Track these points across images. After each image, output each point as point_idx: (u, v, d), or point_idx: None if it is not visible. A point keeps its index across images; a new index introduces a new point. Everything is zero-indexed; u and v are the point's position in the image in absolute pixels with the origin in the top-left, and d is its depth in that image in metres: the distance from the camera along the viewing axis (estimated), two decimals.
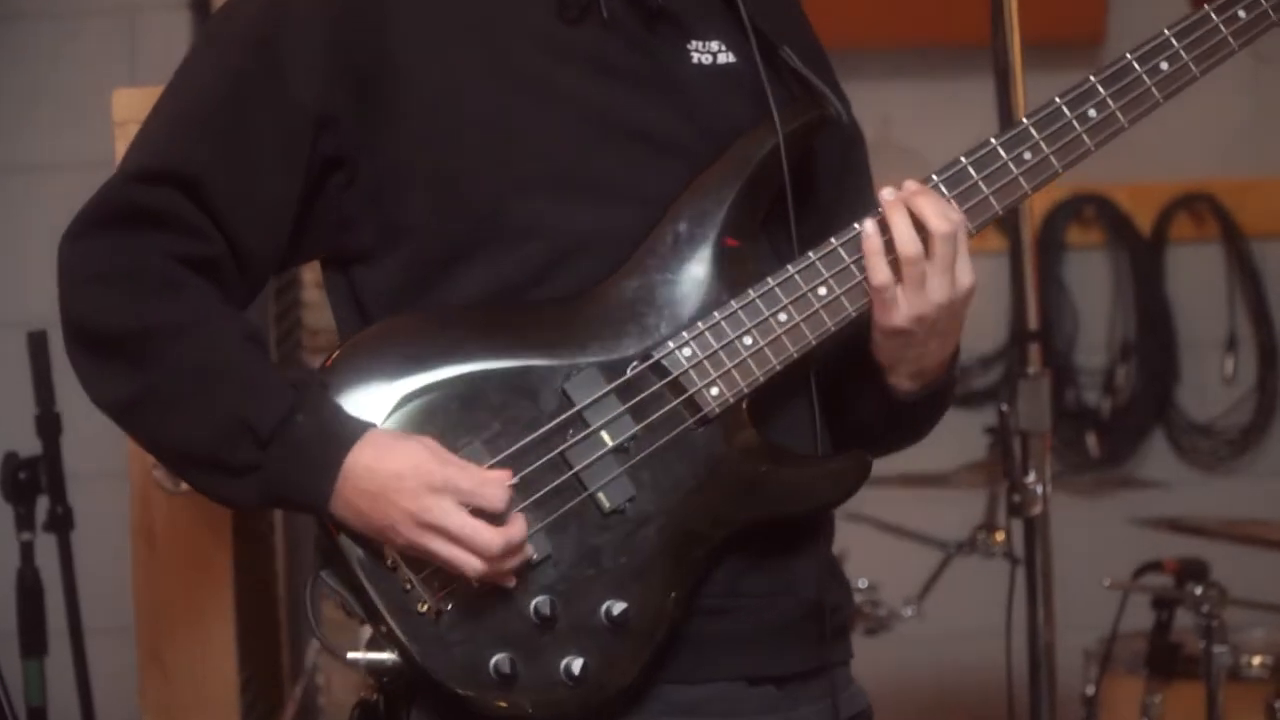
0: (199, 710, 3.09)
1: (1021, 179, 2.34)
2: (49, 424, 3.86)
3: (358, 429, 2.20)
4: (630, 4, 2.31)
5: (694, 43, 2.34)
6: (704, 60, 2.34)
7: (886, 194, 2.28)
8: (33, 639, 3.85)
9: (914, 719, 4.56)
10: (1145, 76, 2.36)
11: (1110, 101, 2.36)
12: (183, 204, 2.22)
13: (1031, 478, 3.11)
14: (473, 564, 2.14)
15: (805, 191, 2.39)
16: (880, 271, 2.26)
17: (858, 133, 2.53)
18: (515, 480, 2.20)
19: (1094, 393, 4.93)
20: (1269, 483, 4.86)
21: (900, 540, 4.01)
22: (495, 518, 2.17)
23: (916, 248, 2.25)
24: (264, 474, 2.21)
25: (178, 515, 3.07)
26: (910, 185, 2.29)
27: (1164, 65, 2.38)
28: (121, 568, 3.23)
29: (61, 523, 3.88)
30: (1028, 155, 2.34)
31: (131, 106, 3.03)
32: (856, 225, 2.30)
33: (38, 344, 3.87)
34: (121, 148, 2.96)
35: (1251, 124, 4.46)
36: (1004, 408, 3.15)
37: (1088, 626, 3.85)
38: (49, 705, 3.87)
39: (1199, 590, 3.57)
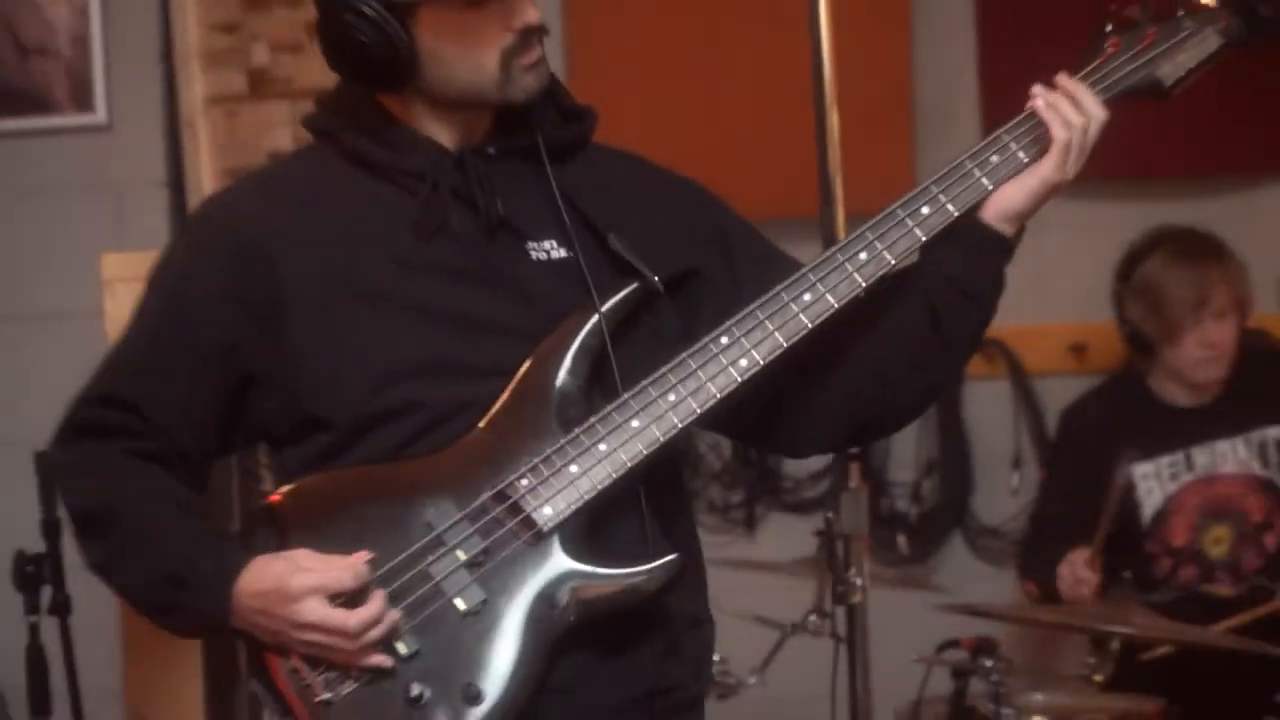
0: None
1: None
2: (51, 527, 3.98)
3: (242, 561, 2.34)
4: (475, 219, 2.42)
5: (531, 244, 2.44)
6: (541, 257, 2.44)
7: (1038, 91, 2.47)
8: (39, 702, 3.97)
9: None
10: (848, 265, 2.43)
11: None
12: (129, 418, 2.43)
13: (852, 572, 3.21)
14: (341, 645, 2.29)
15: (662, 324, 2.49)
16: (1063, 126, 2.43)
17: (729, 233, 2.61)
18: (364, 572, 2.30)
19: (904, 501, 5.00)
20: None
21: (747, 622, 4.03)
22: (357, 600, 2.29)
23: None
24: (185, 610, 2.39)
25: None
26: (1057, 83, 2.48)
27: (862, 255, 2.43)
28: (112, 643, 3.37)
29: (62, 608, 3.99)
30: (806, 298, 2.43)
31: (117, 267, 3.18)
32: (665, 370, 2.38)
33: (42, 462, 3.93)
34: (109, 301, 3.09)
35: (1033, 279, 4.34)
36: (829, 515, 3.26)
37: (898, 692, 3.97)
38: None
39: (990, 663, 3.73)
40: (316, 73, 4.35)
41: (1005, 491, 5.06)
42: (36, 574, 3.97)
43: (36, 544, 4.02)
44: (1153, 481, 4.42)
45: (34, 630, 3.98)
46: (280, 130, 4.43)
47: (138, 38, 4.44)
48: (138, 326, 2.52)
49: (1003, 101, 4.92)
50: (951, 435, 5.02)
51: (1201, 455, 4.43)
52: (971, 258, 2.48)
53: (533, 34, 2.41)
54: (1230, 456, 4.43)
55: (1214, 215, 4.72)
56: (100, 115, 4.42)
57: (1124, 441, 4.32)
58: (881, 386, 2.55)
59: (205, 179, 4.35)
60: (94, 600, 3.89)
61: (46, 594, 4.00)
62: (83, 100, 4.41)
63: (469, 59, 2.40)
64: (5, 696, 4.30)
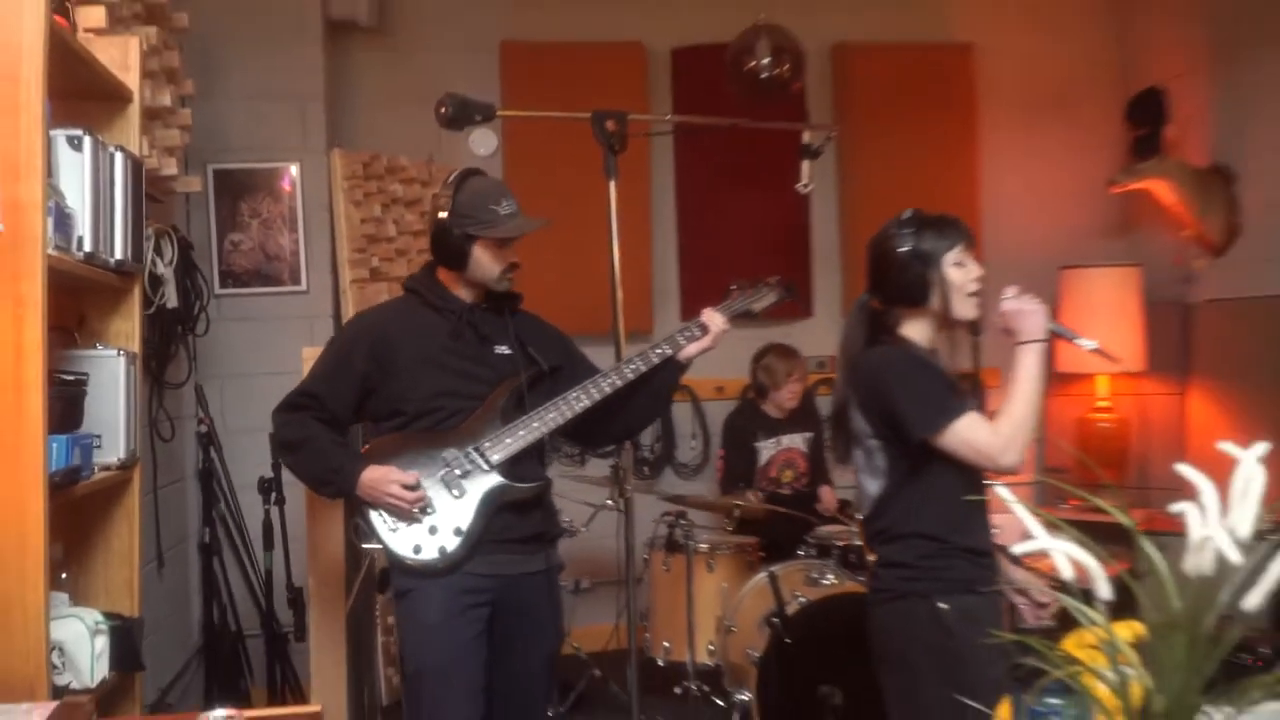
0: (327, 568, 2.99)
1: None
2: (276, 466, 3.85)
3: (363, 465, 2.27)
4: (475, 334, 2.38)
5: (496, 346, 2.40)
6: (500, 352, 2.40)
7: (706, 311, 2.46)
8: (268, 542, 3.84)
9: (577, 566, 4.33)
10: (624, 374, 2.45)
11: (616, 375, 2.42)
12: (314, 402, 2.34)
13: (626, 483, 3.01)
14: (404, 507, 2.23)
15: (546, 386, 2.42)
16: (714, 327, 2.44)
17: (574, 355, 2.52)
18: (418, 478, 2.26)
19: (647, 452, 4.87)
20: (707, 483, 4.84)
21: (579, 504, 3.89)
22: (411, 490, 2.24)
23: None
24: (334, 485, 2.30)
25: (324, 501, 2.90)
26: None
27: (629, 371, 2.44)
28: (302, 517, 3.15)
29: (281, 502, 3.87)
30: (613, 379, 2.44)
31: (309, 354, 2.95)
32: (548, 404, 2.34)
33: (272, 436, 3.74)
34: (305, 369, 2.92)
35: (703, 360, 3.97)
36: (617, 459, 3.09)
37: (646, 534, 3.87)
38: (274, 568, 3.86)
39: (683, 521, 3.72)
40: (398, 271, 4.32)
41: (689, 449, 4.95)
42: (269, 487, 3.84)
43: (268, 473, 3.88)
44: (764, 450, 4.28)
45: (267, 513, 3.86)
46: (384, 296, 4.32)
47: (321, 254, 4.27)
48: (323, 362, 2.43)
49: (691, 282, 4.96)
50: (666, 425, 4.92)
51: (785, 439, 4.29)
52: (668, 375, 2.48)
53: (515, 266, 2.40)
54: (796, 441, 4.32)
55: (779, 335, 4.62)
56: (304, 286, 4.24)
57: (755, 430, 4.24)
58: (634, 420, 2.54)
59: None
60: (294, 501, 3.82)
61: (272, 496, 3.86)
62: (295, 280, 4.23)
63: (487, 267, 2.37)
64: (253, 542, 4.08)
